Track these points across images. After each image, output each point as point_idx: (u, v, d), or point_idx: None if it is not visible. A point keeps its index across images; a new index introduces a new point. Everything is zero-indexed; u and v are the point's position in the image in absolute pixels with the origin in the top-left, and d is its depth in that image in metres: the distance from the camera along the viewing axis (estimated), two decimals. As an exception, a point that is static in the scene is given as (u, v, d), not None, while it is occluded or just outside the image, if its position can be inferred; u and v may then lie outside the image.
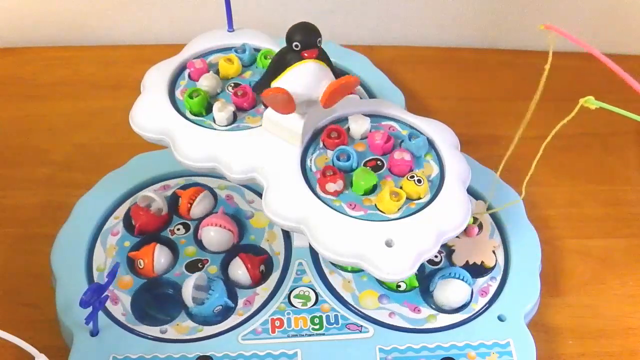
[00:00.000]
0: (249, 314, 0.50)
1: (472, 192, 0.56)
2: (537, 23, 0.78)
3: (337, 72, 0.46)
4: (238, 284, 0.51)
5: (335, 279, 0.52)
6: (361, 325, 0.49)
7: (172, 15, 0.74)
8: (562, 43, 0.75)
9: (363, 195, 0.46)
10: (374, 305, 0.51)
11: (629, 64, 0.75)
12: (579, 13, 0.74)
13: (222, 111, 0.49)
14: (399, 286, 0.51)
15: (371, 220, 0.45)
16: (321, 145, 0.48)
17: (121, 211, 0.55)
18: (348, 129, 0.49)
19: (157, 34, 0.74)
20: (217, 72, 0.52)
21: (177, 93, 0.51)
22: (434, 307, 0.51)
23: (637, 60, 0.75)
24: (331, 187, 0.46)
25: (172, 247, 0.53)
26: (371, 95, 0.63)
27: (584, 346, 0.52)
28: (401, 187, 0.46)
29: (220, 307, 0.49)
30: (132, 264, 0.52)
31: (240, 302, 0.50)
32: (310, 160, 0.48)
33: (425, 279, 0.52)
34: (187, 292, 0.49)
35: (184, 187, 0.56)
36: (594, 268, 0.57)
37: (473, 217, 0.51)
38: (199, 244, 0.53)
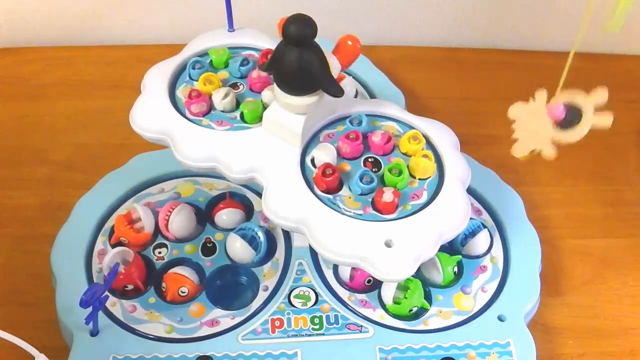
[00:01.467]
0: (223, 328, 0.49)
1: (472, 192, 0.56)
2: (537, 23, 0.78)
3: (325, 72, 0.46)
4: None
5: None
6: (361, 325, 0.49)
7: (172, 15, 0.74)
8: (562, 43, 0.75)
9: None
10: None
11: (629, 64, 0.76)
12: (579, 13, 0.74)
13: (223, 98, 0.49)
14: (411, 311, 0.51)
15: (371, 221, 0.45)
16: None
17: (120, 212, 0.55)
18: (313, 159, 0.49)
19: (157, 34, 0.74)
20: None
21: (178, 92, 0.51)
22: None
23: (637, 60, 0.75)
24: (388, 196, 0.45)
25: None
26: (371, 95, 0.63)
27: (584, 346, 0.52)
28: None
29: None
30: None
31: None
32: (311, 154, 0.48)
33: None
34: (106, 260, 0.50)
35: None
36: (594, 268, 0.57)
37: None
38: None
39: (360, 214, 0.45)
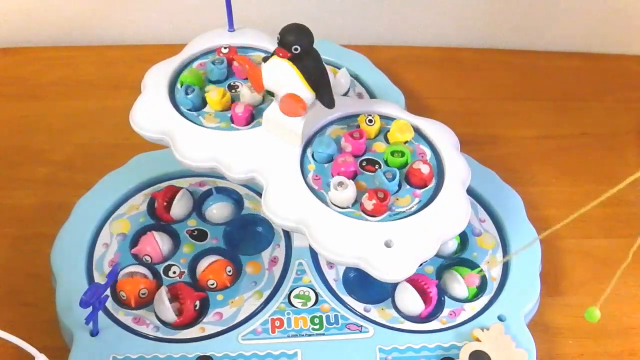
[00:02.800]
0: (222, 328, 0.49)
1: (472, 193, 0.56)
2: (537, 23, 0.78)
3: (324, 91, 0.46)
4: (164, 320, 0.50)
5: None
6: (361, 325, 0.49)
7: (172, 15, 0.74)
8: (562, 43, 0.75)
9: None
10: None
11: (629, 64, 0.76)
12: (579, 13, 0.74)
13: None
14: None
15: (371, 221, 0.45)
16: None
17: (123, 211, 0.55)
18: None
19: (157, 34, 0.74)
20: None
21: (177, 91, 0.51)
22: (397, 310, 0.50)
23: (637, 60, 0.75)
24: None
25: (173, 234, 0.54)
26: (371, 95, 0.63)
27: (584, 346, 0.52)
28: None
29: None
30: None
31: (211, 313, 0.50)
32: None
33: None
34: (167, 308, 0.49)
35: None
36: (594, 268, 0.57)
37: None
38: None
39: (360, 215, 0.45)
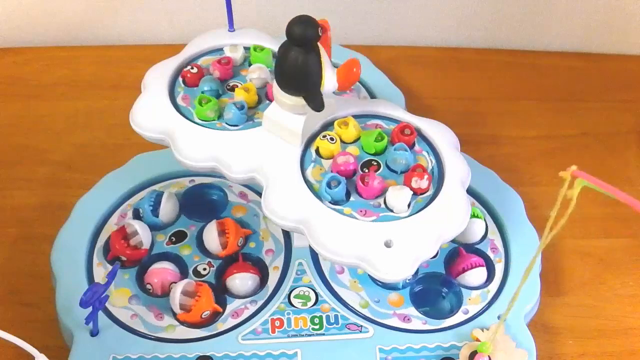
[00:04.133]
0: (223, 329, 0.49)
1: (472, 192, 0.56)
2: (537, 23, 0.78)
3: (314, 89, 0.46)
4: (209, 251, 0.52)
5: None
6: (361, 325, 0.49)
7: (172, 15, 0.74)
8: (562, 43, 0.75)
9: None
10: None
11: (629, 64, 0.76)
12: (579, 13, 0.74)
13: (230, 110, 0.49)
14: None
15: (370, 221, 0.45)
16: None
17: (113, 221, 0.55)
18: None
19: (157, 34, 0.74)
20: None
21: (178, 99, 0.51)
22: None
23: (637, 60, 0.75)
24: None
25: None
26: (371, 95, 0.63)
27: (584, 346, 0.52)
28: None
29: (208, 312, 0.49)
30: None
31: (229, 310, 0.50)
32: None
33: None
34: (175, 298, 0.48)
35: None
36: (594, 268, 0.57)
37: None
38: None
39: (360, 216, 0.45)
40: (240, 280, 0.51)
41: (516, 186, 0.58)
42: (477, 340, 0.48)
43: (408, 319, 0.50)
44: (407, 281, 0.52)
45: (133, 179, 0.57)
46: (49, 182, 0.61)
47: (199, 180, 0.57)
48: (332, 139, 0.48)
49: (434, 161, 0.48)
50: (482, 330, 0.49)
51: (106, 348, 0.47)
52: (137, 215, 0.54)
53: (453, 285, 0.52)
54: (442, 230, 0.45)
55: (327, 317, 0.50)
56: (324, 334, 0.49)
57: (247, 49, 0.54)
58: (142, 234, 0.52)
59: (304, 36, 0.43)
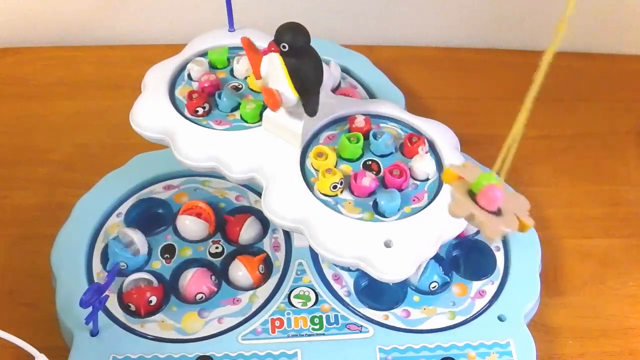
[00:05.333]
0: (222, 329, 0.49)
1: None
2: (537, 23, 0.78)
3: (307, 96, 0.45)
4: (239, 286, 0.51)
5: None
6: (361, 325, 0.49)
7: (172, 15, 0.74)
8: (562, 43, 0.74)
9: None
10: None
11: (629, 64, 0.76)
12: (579, 13, 0.74)
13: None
14: None
15: (370, 221, 0.45)
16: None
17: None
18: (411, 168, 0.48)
19: (157, 34, 0.74)
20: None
21: (177, 91, 0.51)
22: None
23: (637, 60, 0.75)
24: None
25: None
26: (371, 95, 0.63)
27: (584, 346, 0.52)
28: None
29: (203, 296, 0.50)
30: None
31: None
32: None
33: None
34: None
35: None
36: (594, 268, 0.57)
37: None
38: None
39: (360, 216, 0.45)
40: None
41: (516, 186, 0.58)
42: (460, 178, 0.40)
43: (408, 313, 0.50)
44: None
45: (133, 179, 0.57)
46: (49, 182, 0.61)
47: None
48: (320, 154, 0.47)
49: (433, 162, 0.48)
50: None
51: (106, 348, 0.47)
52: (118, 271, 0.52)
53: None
54: (442, 230, 0.45)
55: (327, 317, 0.50)
56: (324, 334, 0.49)
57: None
58: (139, 242, 0.52)
59: (293, 44, 0.43)
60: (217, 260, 0.52)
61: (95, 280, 0.51)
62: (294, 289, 0.51)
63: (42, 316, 0.51)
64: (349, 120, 0.49)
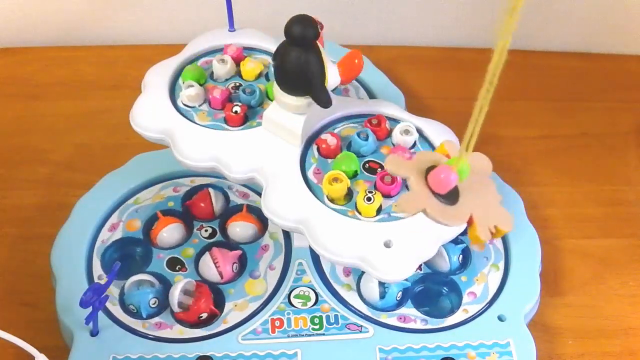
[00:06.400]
0: (222, 328, 0.49)
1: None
2: (537, 23, 0.78)
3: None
4: (207, 280, 0.51)
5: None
6: (361, 325, 0.49)
7: (172, 15, 0.74)
8: (562, 43, 0.74)
9: (336, 169, 0.47)
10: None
11: (629, 64, 0.76)
12: (579, 13, 0.74)
13: (187, 88, 0.50)
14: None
15: (370, 221, 0.45)
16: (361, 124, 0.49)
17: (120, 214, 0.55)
18: (390, 131, 0.49)
19: (157, 34, 0.74)
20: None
21: (179, 94, 0.51)
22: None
23: (637, 60, 0.75)
24: (328, 138, 0.46)
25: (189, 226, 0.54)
26: (371, 95, 0.63)
27: (584, 346, 0.52)
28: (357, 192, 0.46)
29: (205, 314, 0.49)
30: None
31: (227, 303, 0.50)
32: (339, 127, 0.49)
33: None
34: (175, 296, 0.48)
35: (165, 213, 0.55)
36: (594, 268, 0.57)
37: None
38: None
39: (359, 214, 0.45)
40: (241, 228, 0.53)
41: (516, 186, 0.58)
42: (446, 156, 0.40)
43: (406, 320, 0.50)
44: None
45: (133, 179, 0.57)
46: (49, 182, 0.61)
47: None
48: (369, 199, 0.46)
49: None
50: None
51: (106, 348, 0.47)
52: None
53: (454, 285, 0.52)
54: (442, 230, 0.45)
55: (327, 317, 0.50)
56: (324, 334, 0.49)
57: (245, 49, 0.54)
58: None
59: (304, 36, 0.43)
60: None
61: (95, 280, 0.51)
62: (294, 289, 0.51)
63: (42, 316, 0.51)
64: (318, 142, 0.49)
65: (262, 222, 0.54)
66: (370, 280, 0.50)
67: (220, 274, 0.51)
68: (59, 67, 0.71)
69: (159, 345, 0.48)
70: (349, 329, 0.49)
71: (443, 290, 0.52)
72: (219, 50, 0.54)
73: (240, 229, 0.54)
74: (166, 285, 0.51)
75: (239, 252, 0.52)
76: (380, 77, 0.65)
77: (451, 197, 0.38)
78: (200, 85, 0.51)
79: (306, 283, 0.51)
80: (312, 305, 0.50)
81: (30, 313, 0.52)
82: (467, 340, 0.49)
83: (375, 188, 0.46)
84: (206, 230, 0.54)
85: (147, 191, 0.56)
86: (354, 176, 0.47)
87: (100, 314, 0.48)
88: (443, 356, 0.48)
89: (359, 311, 0.50)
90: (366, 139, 0.48)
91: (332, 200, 0.46)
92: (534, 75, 0.73)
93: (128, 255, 0.53)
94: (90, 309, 0.46)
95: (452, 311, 0.51)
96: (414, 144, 0.49)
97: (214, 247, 0.52)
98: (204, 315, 0.49)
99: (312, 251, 0.52)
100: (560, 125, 0.68)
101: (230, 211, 0.55)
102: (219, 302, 0.50)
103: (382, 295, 0.50)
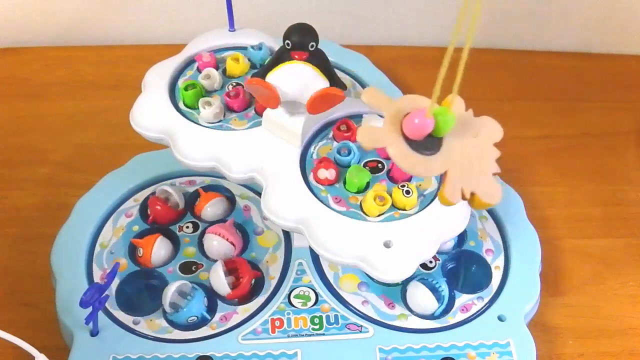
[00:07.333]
0: (222, 329, 0.49)
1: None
2: (537, 23, 0.78)
3: (336, 78, 0.46)
4: (217, 292, 0.50)
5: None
6: (361, 325, 0.49)
7: (172, 15, 0.74)
8: (562, 43, 0.75)
9: (354, 193, 0.46)
10: (351, 289, 0.51)
11: (629, 64, 0.76)
12: (579, 13, 0.74)
13: (205, 107, 0.49)
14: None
15: (370, 221, 0.45)
16: (330, 135, 0.49)
17: (141, 196, 0.56)
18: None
19: (157, 34, 0.74)
20: (224, 70, 0.52)
21: (180, 82, 0.51)
22: (406, 306, 0.51)
23: (637, 60, 0.75)
24: (322, 173, 0.46)
25: (175, 242, 0.53)
26: (371, 95, 0.63)
27: (584, 346, 0.52)
28: (391, 194, 0.46)
29: (195, 318, 0.49)
30: (133, 252, 0.52)
31: (218, 315, 0.50)
32: (314, 147, 0.48)
33: (409, 279, 0.52)
34: (166, 297, 0.48)
35: (206, 189, 0.56)
36: (594, 268, 0.57)
37: None
38: (201, 247, 0.53)
39: (343, 210, 0.45)
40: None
41: (516, 186, 0.58)
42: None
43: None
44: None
45: (133, 179, 0.57)
46: (49, 182, 0.61)
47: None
48: (407, 192, 0.45)
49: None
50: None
51: (106, 348, 0.47)
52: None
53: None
54: (442, 230, 0.45)
55: (327, 317, 0.50)
56: (324, 334, 0.49)
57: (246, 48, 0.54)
58: (175, 196, 0.54)
59: (303, 44, 0.43)
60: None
61: (95, 281, 0.51)
62: (294, 289, 0.51)
63: (42, 316, 0.51)
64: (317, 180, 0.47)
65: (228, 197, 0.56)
66: (417, 288, 0.50)
67: (232, 243, 0.52)
68: (59, 67, 0.71)
69: (159, 345, 0.48)
70: (349, 329, 0.49)
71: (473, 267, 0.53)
72: (193, 61, 0.53)
73: (211, 208, 0.55)
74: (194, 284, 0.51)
75: (231, 220, 0.53)
76: (380, 77, 0.65)
77: (429, 148, 0.37)
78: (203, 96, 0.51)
79: (306, 283, 0.51)
80: (312, 305, 0.50)
81: (30, 313, 0.52)
82: (467, 340, 0.49)
83: (393, 180, 0.46)
84: (187, 227, 0.54)
85: (146, 191, 0.56)
86: (366, 187, 0.47)
87: (100, 314, 0.48)
88: (443, 356, 0.48)
89: (359, 311, 0.50)
90: (348, 153, 0.47)
91: (366, 214, 0.45)
92: (534, 75, 0.74)
93: (143, 287, 0.52)
94: (90, 309, 0.46)
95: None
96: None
97: (209, 227, 0.53)
98: (252, 281, 0.50)
99: (312, 251, 0.52)
100: (560, 125, 0.68)
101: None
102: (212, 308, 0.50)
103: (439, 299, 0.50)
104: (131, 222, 0.54)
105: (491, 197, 0.39)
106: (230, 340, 0.48)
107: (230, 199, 0.56)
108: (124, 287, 0.51)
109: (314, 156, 0.47)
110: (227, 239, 0.52)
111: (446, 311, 0.50)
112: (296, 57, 0.44)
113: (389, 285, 0.51)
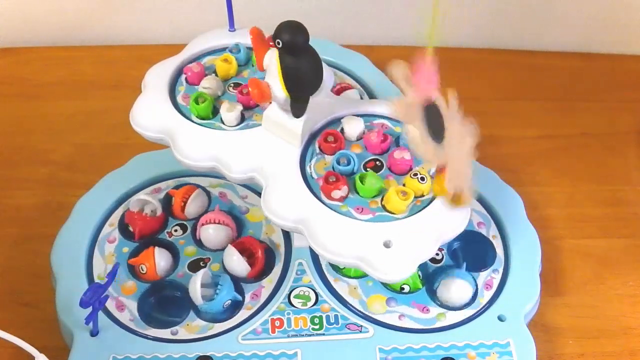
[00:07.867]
0: (257, 307, 0.50)
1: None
2: (537, 23, 0.78)
3: (294, 87, 0.45)
4: (236, 275, 0.51)
5: (340, 286, 0.52)
6: (361, 325, 0.49)
7: (172, 15, 0.74)
8: (562, 43, 0.75)
9: (371, 197, 0.46)
10: (383, 309, 0.50)
11: (629, 64, 0.76)
12: (579, 13, 0.74)
13: (230, 112, 0.49)
14: (403, 289, 0.51)
15: (375, 222, 0.45)
16: (318, 150, 0.48)
17: (116, 217, 0.55)
18: (342, 130, 0.49)
19: (157, 34, 0.74)
20: (215, 74, 0.52)
21: (179, 98, 0.51)
22: (440, 304, 0.51)
23: (637, 60, 0.75)
24: (337, 194, 0.46)
25: (171, 248, 0.53)
26: (371, 95, 0.63)
27: (584, 346, 0.52)
28: (404, 185, 0.46)
29: (230, 301, 0.49)
30: (133, 270, 0.52)
31: (248, 296, 0.50)
32: (310, 166, 0.48)
33: (429, 278, 0.52)
34: (195, 290, 0.49)
35: (176, 187, 0.56)
36: (594, 268, 0.57)
37: None
38: (199, 243, 0.53)
39: (370, 217, 0.45)
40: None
41: (516, 186, 0.58)
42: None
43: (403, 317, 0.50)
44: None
45: (133, 179, 0.57)
46: (49, 182, 0.61)
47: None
48: (422, 178, 0.46)
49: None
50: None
51: (106, 348, 0.47)
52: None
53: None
54: (442, 230, 0.45)
55: (327, 317, 0.50)
56: (324, 334, 0.49)
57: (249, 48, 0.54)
58: (153, 202, 0.54)
59: (293, 42, 0.43)
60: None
61: (96, 281, 0.51)
62: (294, 289, 0.51)
63: (42, 316, 0.51)
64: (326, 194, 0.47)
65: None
66: (451, 283, 0.50)
67: (228, 225, 0.53)
68: (59, 67, 0.71)
69: (159, 345, 0.48)
70: (349, 329, 0.49)
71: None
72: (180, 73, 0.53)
73: (193, 202, 0.55)
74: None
75: (217, 206, 0.54)
76: (380, 77, 0.65)
77: (438, 134, 0.41)
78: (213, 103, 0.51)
79: (306, 283, 0.51)
80: (312, 305, 0.50)
81: (30, 313, 0.52)
82: (467, 340, 0.49)
83: (396, 173, 0.47)
84: (176, 231, 0.54)
85: (146, 191, 0.56)
86: (379, 192, 0.46)
87: (100, 314, 0.48)
88: (443, 356, 0.48)
89: (359, 311, 0.50)
90: (348, 162, 0.47)
91: (391, 212, 0.45)
92: (534, 75, 0.74)
93: (163, 300, 0.51)
94: (90, 309, 0.46)
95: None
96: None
97: (199, 219, 0.53)
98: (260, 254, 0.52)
99: (312, 251, 0.52)
100: (560, 125, 0.68)
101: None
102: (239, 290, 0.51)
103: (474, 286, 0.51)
104: (118, 245, 0.53)
105: (468, 198, 0.42)
106: (230, 340, 0.48)
107: (204, 190, 0.56)
108: (145, 307, 0.50)
109: (314, 175, 0.47)
110: (222, 222, 0.52)
111: (476, 294, 0.51)
112: (270, 43, 0.45)
113: (400, 291, 0.51)
